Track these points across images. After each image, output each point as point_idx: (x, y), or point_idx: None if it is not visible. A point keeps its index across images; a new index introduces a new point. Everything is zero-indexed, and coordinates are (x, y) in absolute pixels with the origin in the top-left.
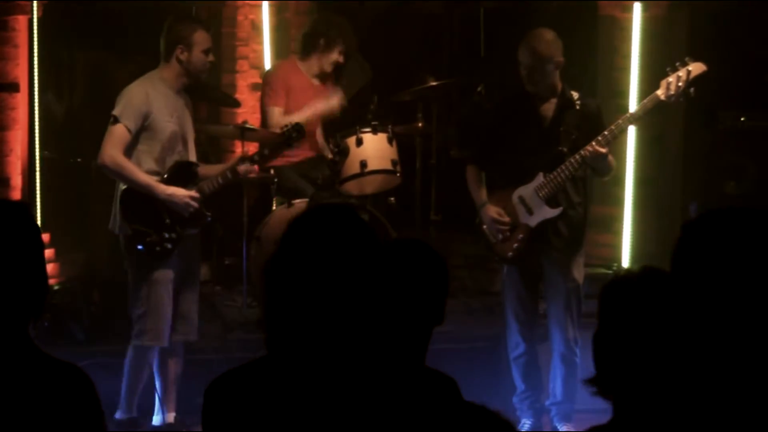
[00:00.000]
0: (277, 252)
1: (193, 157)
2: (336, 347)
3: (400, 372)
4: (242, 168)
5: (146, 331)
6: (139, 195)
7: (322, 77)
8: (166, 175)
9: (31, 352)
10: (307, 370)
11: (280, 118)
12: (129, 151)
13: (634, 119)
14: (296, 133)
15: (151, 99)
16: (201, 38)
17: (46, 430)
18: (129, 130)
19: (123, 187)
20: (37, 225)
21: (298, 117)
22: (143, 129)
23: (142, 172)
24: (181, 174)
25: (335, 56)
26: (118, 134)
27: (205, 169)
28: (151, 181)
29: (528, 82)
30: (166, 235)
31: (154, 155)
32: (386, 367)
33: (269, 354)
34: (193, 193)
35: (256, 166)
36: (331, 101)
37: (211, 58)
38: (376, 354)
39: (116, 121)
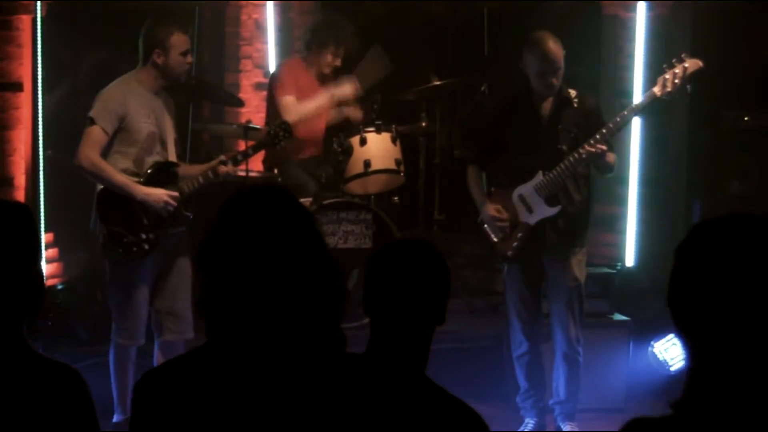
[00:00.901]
0: (210, 234)
1: (172, 157)
2: (277, 336)
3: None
4: (224, 169)
5: (122, 329)
6: (116, 196)
7: (322, 78)
8: (145, 176)
9: (23, 353)
10: (246, 358)
11: (294, 106)
12: (106, 152)
13: (634, 113)
14: (283, 132)
15: (127, 100)
16: (178, 41)
17: (38, 429)
18: (105, 132)
19: (100, 188)
20: (34, 226)
21: (313, 104)
22: (120, 130)
23: (120, 173)
24: (161, 174)
25: (329, 59)
26: (94, 136)
27: (186, 169)
28: (129, 181)
29: (544, 87)
30: (143, 236)
31: (132, 156)
32: (314, 356)
33: (208, 343)
34: (173, 192)
35: (238, 166)
36: (344, 88)
37: (189, 59)
38: (306, 344)
39: (92, 122)
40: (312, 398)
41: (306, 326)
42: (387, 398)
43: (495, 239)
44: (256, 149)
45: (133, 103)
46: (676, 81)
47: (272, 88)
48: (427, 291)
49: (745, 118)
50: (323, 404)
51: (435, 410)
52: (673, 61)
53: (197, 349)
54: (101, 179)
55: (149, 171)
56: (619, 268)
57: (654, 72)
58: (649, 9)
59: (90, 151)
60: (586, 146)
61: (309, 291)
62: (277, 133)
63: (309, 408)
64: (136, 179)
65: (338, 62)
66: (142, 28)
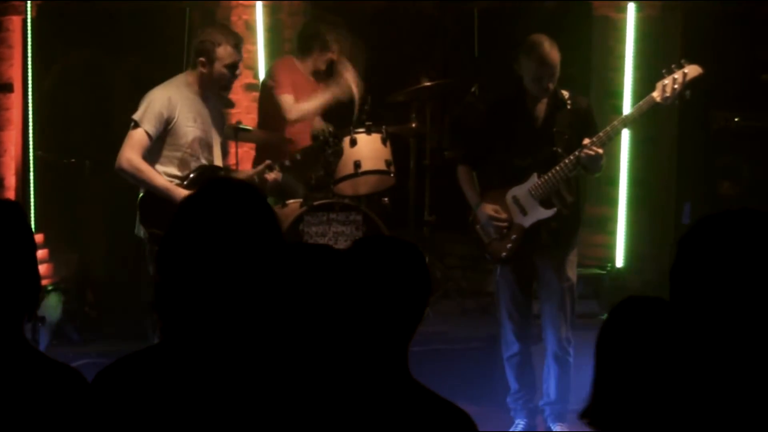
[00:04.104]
0: (169, 230)
1: (218, 162)
2: (231, 331)
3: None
4: (271, 176)
5: None
6: (157, 199)
7: (318, 75)
8: (188, 179)
9: (25, 351)
10: (203, 356)
11: (293, 105)
12: (152, 155)
13: (630, 121)
14: (333, 139)
15: (173, 104)
16: (224, 53)
17: (41, 428)
18: (149, 135)
19: (142, 192)
20: (28, 223)
21: (314, 103)
22: (166, 134)
23: (160, 176)
24: (204, 179)
25: (329, 55)
26: (137, 138)
27: (234, 174)
28: (169, 185)
29: (539, 90)
30: None
31: (177, 160)
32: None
33: (164, 340)
34: None
35: (286, 172)
36: (343, 87)
37: (238, 72)
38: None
39: (136, 125)
40: (266, 395)
41: (261, 321)
42: (371, 398)
43: (487, 240)
44: (304, 155)
45: (180, 106)
46: (676, 87)
47: (268, 88)
48: (400, 289)
49: (735, 119)
50: (277, 401)
51: (422, 410)
52: (673, 66)
53: (153, 346)
54: (141, 181)
55: (193, 174)
56: (609, 268)
57: (644, 73)
58: (640, 10)
59: (131, 153)
60: (585, 150)
61: (261, 286)
62: (327, 140)
63: (263, 405)
64: (177, 182)
65: (336, 57)
66: (196, 31)
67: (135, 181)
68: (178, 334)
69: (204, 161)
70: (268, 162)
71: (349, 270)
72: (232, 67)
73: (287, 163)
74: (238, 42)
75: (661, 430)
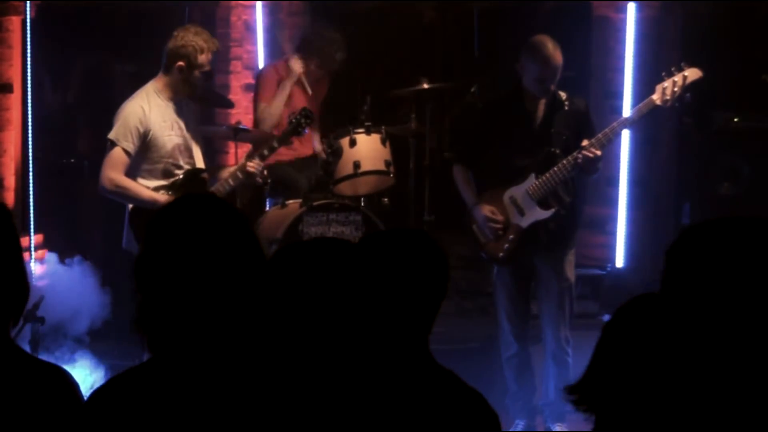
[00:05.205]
0: (143, 248)
1: (200, 163)
2: (219, 343)
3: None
4: (252, 166)
5: None
6: (145, 213)
7: (307, 82)
8: (174, 185)
9: (10, 352)
10: (193, 371)
11: (266, 113)
12: (133, 170)
13: (629, 123)
14: (305, 119)
15: (148, 116)
16: (205, 60)
17: (26, 429)
18: (127, 152)
19: (130, 207)
20: (14, 225)
21: (274, 106)
22: (145, 147)
23: (145, 188)
24: (190, 182)
25: (311, 68)
26: (116, 157)
27: (215, 173)
28: (156, 195)
29: (539, 91)
30: None
31: (159, 172)
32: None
33: (154, 357)
34: None
35: (265, 161)
36: (295, 66)
37: (212, 80)
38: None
39: (113, 144)
40: (261, 405)
41: (248, 329)
42: (396, 384)
43: (484, 240)
44: (281, 141)
45: (155, 117)
46: (676, 90)
47: (255, 90)
48: (418, 275)
49: (735, 119)
50: (273, 412)
51: (445, 393)
52: (673, 69)
53: (144, 364)
54: (128, 198)
55: (178, 180)
56: (609, 269)
57: (644, 73)
58: (640, 10)
59: (112, 172)
60: (584, 152)
61: (243, 295)
62: (300, 121)
63: (258, 416)
64: (165, 191)
65: (316, 73)
66: (172, 35)
67: (121, 198)
68: (167, 350)
69: (186, 166)
70: (248, 153)
71: (365, 261)
72: (208, 76)
73: (266, 152)
74: (216, 49)
75: (649, 415)
